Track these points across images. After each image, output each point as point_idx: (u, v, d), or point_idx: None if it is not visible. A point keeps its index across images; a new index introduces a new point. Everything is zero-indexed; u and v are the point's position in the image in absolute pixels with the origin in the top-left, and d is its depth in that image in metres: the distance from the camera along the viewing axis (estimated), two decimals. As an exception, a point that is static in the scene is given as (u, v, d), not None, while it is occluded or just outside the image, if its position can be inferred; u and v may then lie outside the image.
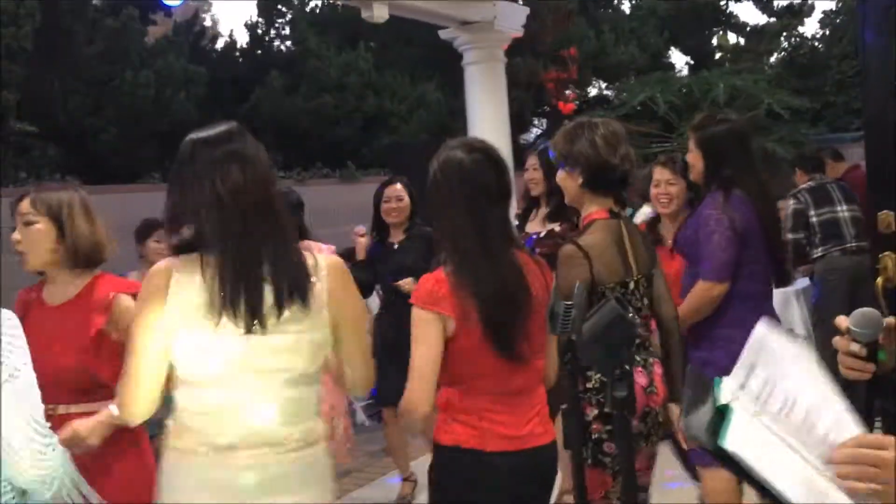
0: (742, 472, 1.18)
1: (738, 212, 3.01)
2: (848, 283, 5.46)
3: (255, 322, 1.77)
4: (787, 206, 5.77)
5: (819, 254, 5.64)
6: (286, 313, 1.80)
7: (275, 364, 1.82)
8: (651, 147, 8.57)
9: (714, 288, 2.96)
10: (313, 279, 1.85)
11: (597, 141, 2.52)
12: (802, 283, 6.27)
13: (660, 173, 3.62)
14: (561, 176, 2.62)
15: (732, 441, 1.17)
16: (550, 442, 2.21)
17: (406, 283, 4.28)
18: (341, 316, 1.89)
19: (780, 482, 1.14)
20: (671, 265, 3.20)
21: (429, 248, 4.39)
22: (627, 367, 1.80)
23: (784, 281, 3.47)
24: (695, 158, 3.13)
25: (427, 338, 2.08)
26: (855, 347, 1.41)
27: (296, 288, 1.81)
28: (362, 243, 4.56)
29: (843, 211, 5.62)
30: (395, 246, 4.51)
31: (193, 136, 1.92)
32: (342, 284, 1.91)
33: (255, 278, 1.78)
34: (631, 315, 1.87)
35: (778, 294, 5.92)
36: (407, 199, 4.44)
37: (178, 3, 5.20)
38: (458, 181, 2.17)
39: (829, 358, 4.68)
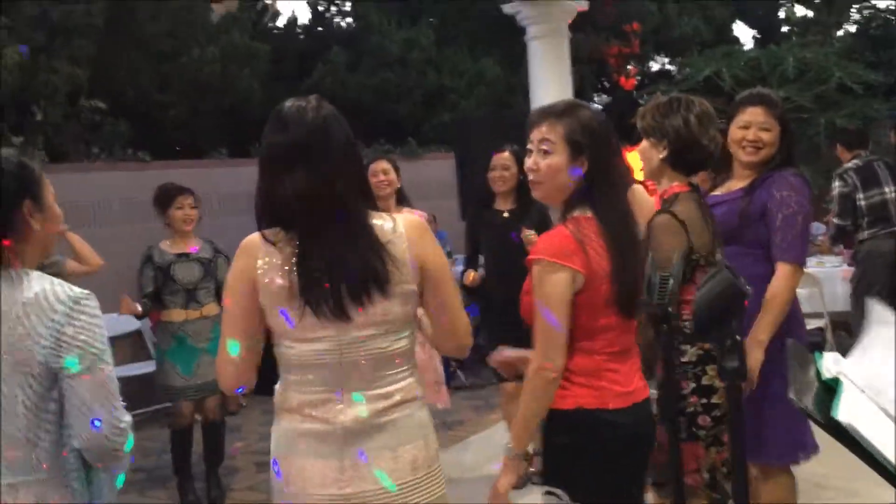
0: (854, 445, 1.18)
1: (809, 195, 3.00)
2: (892, 266, 5.36)
3: (338, 320, 1.83)
4: (834, 187, 5.65)
5: (865, 236, 5.52)
6: (366, 301, 1.84)
7: (366, 350, 1.87)
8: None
9: (799, 272, 2.94)
10: (392, 242, 1.89)
11: (691, 119, 2.55)
12: (833, 262, 6.17)
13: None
14: (644, 146, 2.63)
15: (845, 413, 1.17)
16: (648, 395, 2.24)
17: (531, 234, 4.29)
18: (425, 273, 1.93)
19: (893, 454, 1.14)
20: None
21: (544, 219, 4.40)
22: (738, 337, 1.81)
23: None
24: (773, 135, 3.04)
25: (559, 295, 2.06)
26: None
27: (373, 276, 1.85)
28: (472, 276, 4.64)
29: (891, 192, 5.48)
30: (505, 214, 4.56)
31: (272, 120, 1.95)
32: (421, 240, 1.95)
33: (333, 273, 1.82)
34: (742, 281, 1.86)
35: (818, 273, 5.88)
36: (514, 167, 4.48)
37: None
38: (614, 137, 2.17)
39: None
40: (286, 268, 1.83)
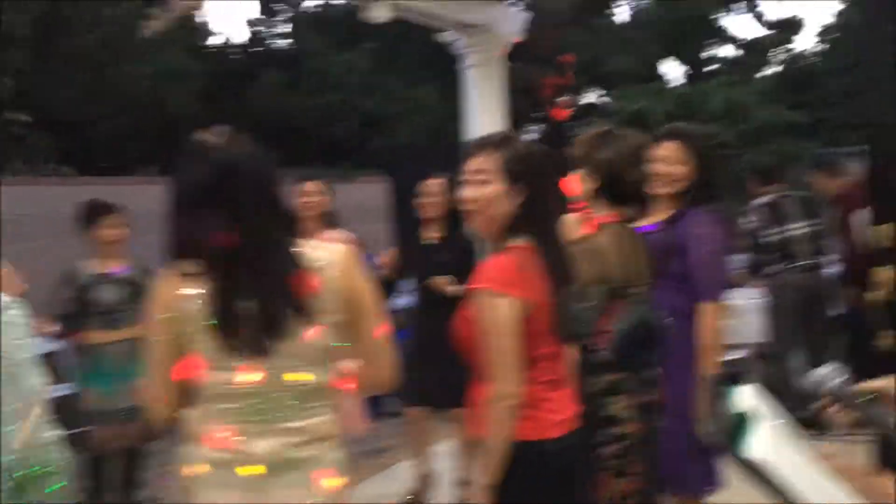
0: (762, 478, 1.20)
1: (723, 232, 3.05)
2: (799, 301, 5.52)
3: (256, 354, 1.79)
4: (744, 222, 5.81)
5: (775, 271, 5.67)
6: (286, 334, 1.80)
7: (285, 383, 1.83)
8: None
9: (721, 307, 2.98)
10: (320, 271, 1.85)
11: (621, 154, 2.57)
12: (753, 294, 6.37)
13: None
14: (576, 177, 2.65)
15: (755, 447, 1.19)
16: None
17: (443, 282, 4.27)
18: (352, 305, 1.89)
19: (800, 487, 1.16)
20: None
21: (468, 249, 4.38)
22: (657, 370, 1.81)
23: None
24: (687, 169, 3.05)
25: (507, 322, 2.05)
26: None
27: (296, 307, 1.81)
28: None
29: (797, 228, 5.63)
30: (432, 243, 4.51)
31: (182, 155, 1.88)
32: (351, 271, 1.90)
33: (241, 314, 1.78)
34: (659, 315, 1.89)
35: (744, 304, 6.07)
36: (444, 196, 4.44)
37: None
38: (554, 170, 2.20)
39: (777, 375, 4.74)
40: (206, 299, 1.78)
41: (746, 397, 1.29)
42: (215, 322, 1.77)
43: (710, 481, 3.00)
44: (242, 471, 1.82)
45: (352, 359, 1.96)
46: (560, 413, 2.11)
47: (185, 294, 1.80)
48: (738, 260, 7.99)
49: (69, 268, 4.59)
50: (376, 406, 6.76)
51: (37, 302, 4.77)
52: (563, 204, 2.33)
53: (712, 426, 1.30)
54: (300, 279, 1.82)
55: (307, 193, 4.46)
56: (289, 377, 1.83)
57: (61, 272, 4.61)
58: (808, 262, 5.61)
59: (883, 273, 3.28)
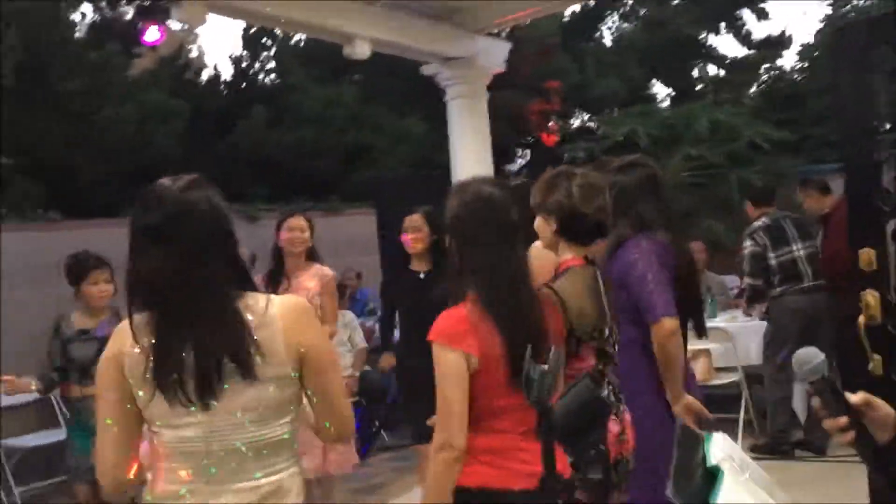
0: None
1: (661, 254, 2.95)
2: (803, 322, 5.50)
3: (196, 399, 1.75)
4: (745, 246, 5.80)
5: (777, 293, 5.66)
6: (228, 384, 1.76)
7: (233, 437, 1.79)
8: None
9: (669, 322, 2.84)
10: (262, 325, 1.80)
11: (573, 191, 2.58)
12: (745, 318, 6.33)
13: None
14: (538, 222, 2.66)
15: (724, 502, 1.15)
16: (567, 475, 2.19)
17: (385, 361, 4.38)
18: (302, 356, 1.85)
19: None
20: None
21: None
22: (602, 447, 1.79)
23: (700, 331, 3.15)
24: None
25: (453, 375, 2.07)
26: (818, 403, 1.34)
27: (234, 361, 1.76)
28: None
29: (799, 250, 5.65)
30: (421, 276, 4.51)
31: (140, 196, 1.88)
32: (298, 323, 1.85)
33: (178, 358, 1.75)
34: (606, 393, 1.87)
35: (730, 327, 6.02)
36: (426, 228, 4.46)
37: (157, 37, 5.17)
38: (491, 215, 2.17)
39: (780, 398, 4.66)
40: (147, 351, 1.76)
41: (717, 448, 1.25)
42: (154, 376, 1.75)
43: None
44: None
45: (308, 411, 1.93)
46: (531, 465, 2.06)
47: (134, 345, 1.78)
48: (733, 280, 7.93)
49: (57, 318, 4.55)
50: (369, 442, 6.69)
51: (22, 351, 4.72)
52: (522, 248, 2.25)
53: (678, 485, 1.24)
54: (242, 331, 1.79)
55: (293, 229, 4.45)
56: (241, 431, 1.79)
57: (53, 322, 4.57)
58: (810, 283, 5.60)
59: (869, 296, 3.26)
